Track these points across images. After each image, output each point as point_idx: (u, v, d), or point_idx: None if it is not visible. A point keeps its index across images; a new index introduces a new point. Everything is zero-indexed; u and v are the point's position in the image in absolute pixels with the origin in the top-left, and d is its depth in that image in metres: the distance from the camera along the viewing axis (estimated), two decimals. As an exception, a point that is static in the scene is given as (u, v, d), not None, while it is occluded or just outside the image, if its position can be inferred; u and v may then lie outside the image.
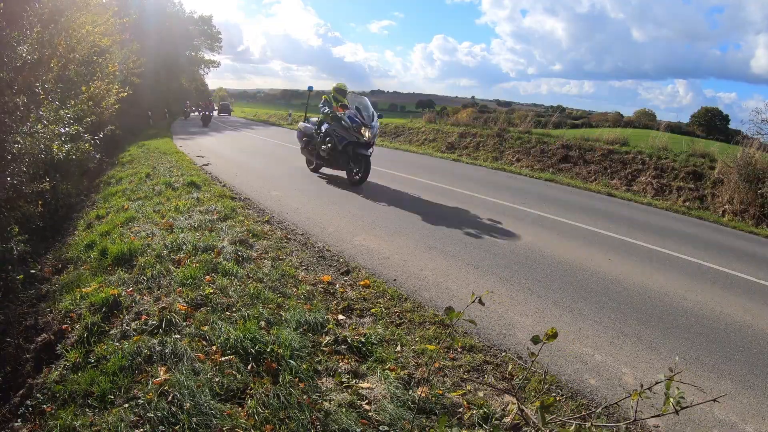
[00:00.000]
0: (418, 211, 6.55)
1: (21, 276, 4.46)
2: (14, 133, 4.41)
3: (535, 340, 1.57)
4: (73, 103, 7.72)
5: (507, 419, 2.26)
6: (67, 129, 6.83)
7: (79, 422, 2.17)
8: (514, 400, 1.62)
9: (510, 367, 2.13)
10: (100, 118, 10.32)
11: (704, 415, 2.56)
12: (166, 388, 2.30)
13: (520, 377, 2.45)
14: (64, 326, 3.18)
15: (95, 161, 10.37)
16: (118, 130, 14.66)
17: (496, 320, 3.40)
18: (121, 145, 14.41)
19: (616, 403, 2.32)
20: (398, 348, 2.85)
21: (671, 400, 1.41)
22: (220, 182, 7.67)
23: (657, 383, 1.46)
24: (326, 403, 2.27)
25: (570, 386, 2.70)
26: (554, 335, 1.57)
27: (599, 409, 1.98)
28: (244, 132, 21.10)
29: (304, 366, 2.52)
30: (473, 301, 1.64)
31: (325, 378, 2.50)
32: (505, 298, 3.79)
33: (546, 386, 2.55)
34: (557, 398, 2.56)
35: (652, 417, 1.52)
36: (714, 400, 1.52)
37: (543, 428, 1.52)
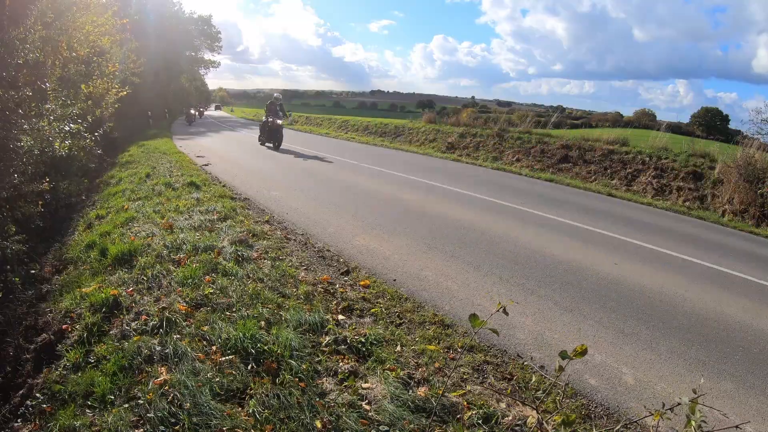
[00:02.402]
0: (417, 211, 6.55)
1: (17, 278, 4.46)
2: (18, 130, 4.44)
3: (563, 355, 1.48)
4: (74, 102, 7.73)
5: (506, 420, 2.26)
6: (71, 126, 6.85)
7: (79, 422, 2.17)
8: (535, 413, 1.58)
9: (533, 379, 2.10)
10: (100, 117, 10.31)
11: (706, 416, 2.55)
12: (166, 388, 2.30)
13: (542, 390, 2.44)
14: (64, 326, 3.18)
15: (96, 160, 10.37)
16: (116, 132, 14.65)
17: (496, 320, 3.37)
18: (121, 145, 14.40)
19: (636, 422, 2.31)
20: (398, 348, 2.85)
21: (693, 423, 1.35)
22: (220, 182, 7.67)
23: (679, 404, 1.40)
24: (332, 406, 2.27)
25: (570, 386, 2.70)
26: (583, 352, 1.47)
27: (619, 427, 1.95)
28: (243, 132, 21.11)
29: (304, 366, 2.52)
30: (498, 311, 1.58)
31: (325, 378, 2.50)
32: (504, 299, 3.78)
33: (566, 399, 2.52)
34: (562, 400, 2.56)
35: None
36: (736, 427, 1.48)
37: None
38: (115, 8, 10.08)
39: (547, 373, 2.71)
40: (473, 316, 1.59)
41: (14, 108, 4.37)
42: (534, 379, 2.14)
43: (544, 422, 1.57)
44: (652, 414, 1.45)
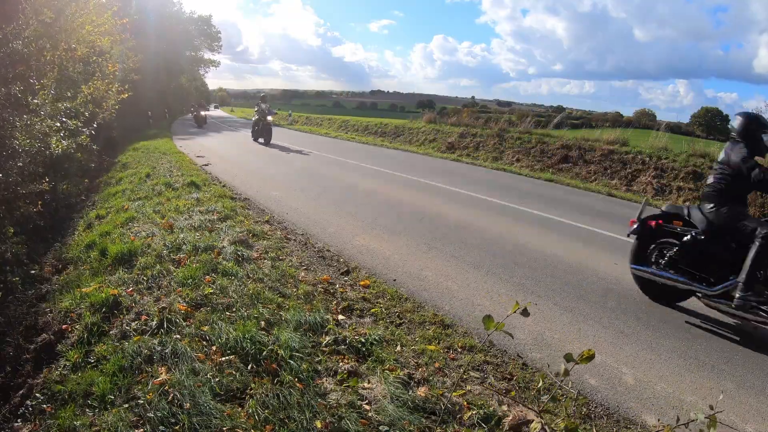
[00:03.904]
0: (418, 211, 6.55)
1: (17, 279, 4.46)
2: (12, 127, 4.43)
3: (568, 358, 1.41)
4: (73, 98, 7.73)
5: (507, 420, 2.26)
6: (65, 122, 6.82)
7: (79, 422, 2.17)
8: (539, 419, 1.56)
9: (539, 383, 2.07)
10: (101, 117, 10.30)
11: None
12: (166, 388, 2.30)
13: (548, 396, 2.42)
14: (64, 326, 3.18)
15: (95, 159, 10.36)
16: (116, 131, 14.64)
17: (496, 320, 3.40)
18: (121, 145, 14.41)
19: None
20: (398, 348, 2.85)
21: None
22: (220, 182, 7.67)
23: (694, 420, 1.35)
24: (332, 406, 2.27)
25: (582, 396, 2.69)
26: (590, 357, 1.40)
27: None
28: (243, 132, 21.08)
29: (304, 366, 2.52)
30: (514, 311, 1.53)
31: (325, 378, 2.50)
32: (504, 299, 3.79)
33: (574, 407, 2.50)
34: (565, 404, 2.55)
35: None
36: None
37: None
38: (114, 8, 10.07)
39: (547, 375, 2.70)
40: (487, 318, 1.53)
41: (4, 103, 4.36)
42: (540, 383, 2.11)
43: (546, 427, 1.55)
44: (663, 428, 1.41)
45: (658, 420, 2.49)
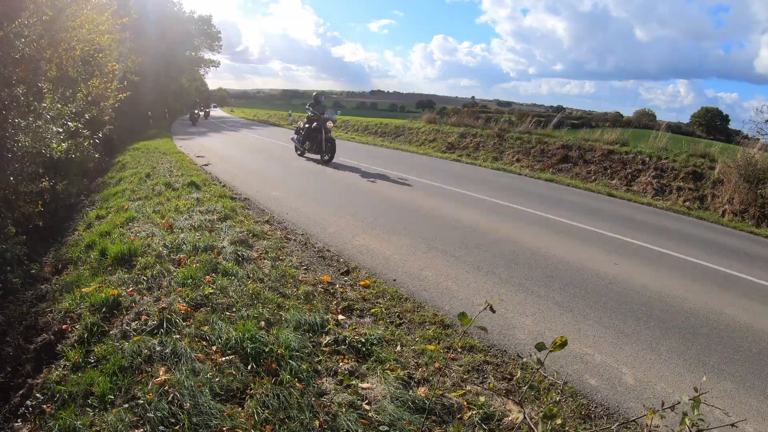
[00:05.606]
0: (417, 211, 6.55)
1: (17, 279, 4.45)
2: (15, 129, 4.42)
3: (540, 347, 1.47)
4: (72, 97, 7.71)
5: (507, 420, 2.26)
6: (68, 125, 6.82)
7: (79, 422, 2.17)
8: (519, 408, 1.58)
9: (519, 374, 2.09)
10: (100, 118, 10.29)
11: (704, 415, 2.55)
12: (166, 388, 2.30)
13: (526, 386, 2.43)
14: (64, 326, 3.18)
15: (95, 160, 10.35)
16: (116, 132, 14.62)
17: (496, 320, 3.40)
18: (121, 145, 14.40)
19: (633, 420, 2.30)
20: (398, 348, 2.85)
21: (687, 421, 1.33)
22: (220, 182, 7.67)
23: (679, 403, 1.37)
24: (332, 406, 2.27)
25: (570, 386, 2.70)
26: (562, 344, 1.45)
27: (615, 426, 1.94)
28: (244, 132, 21.09)
29: (304, 366, 2.52)
30: (485, 309, 1.59)
31: (325, 378, 2.50)
32: (504, 298, 3.79)
33: (558, 396, 2.51)
34: (560, 400, 2.56)
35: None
36: (732, 425, 1.47)
37: None
38: (114, 7, 10.05)
39: (543, 371, 2.70)
40: (462, 315, 1.60)
41: (9, 106, 4.35)
42: (519, 374, 2.13)
43: (527, 416, 1.57)
44: (647, 413, 1.44)
45: (643, 405, 2.50)
